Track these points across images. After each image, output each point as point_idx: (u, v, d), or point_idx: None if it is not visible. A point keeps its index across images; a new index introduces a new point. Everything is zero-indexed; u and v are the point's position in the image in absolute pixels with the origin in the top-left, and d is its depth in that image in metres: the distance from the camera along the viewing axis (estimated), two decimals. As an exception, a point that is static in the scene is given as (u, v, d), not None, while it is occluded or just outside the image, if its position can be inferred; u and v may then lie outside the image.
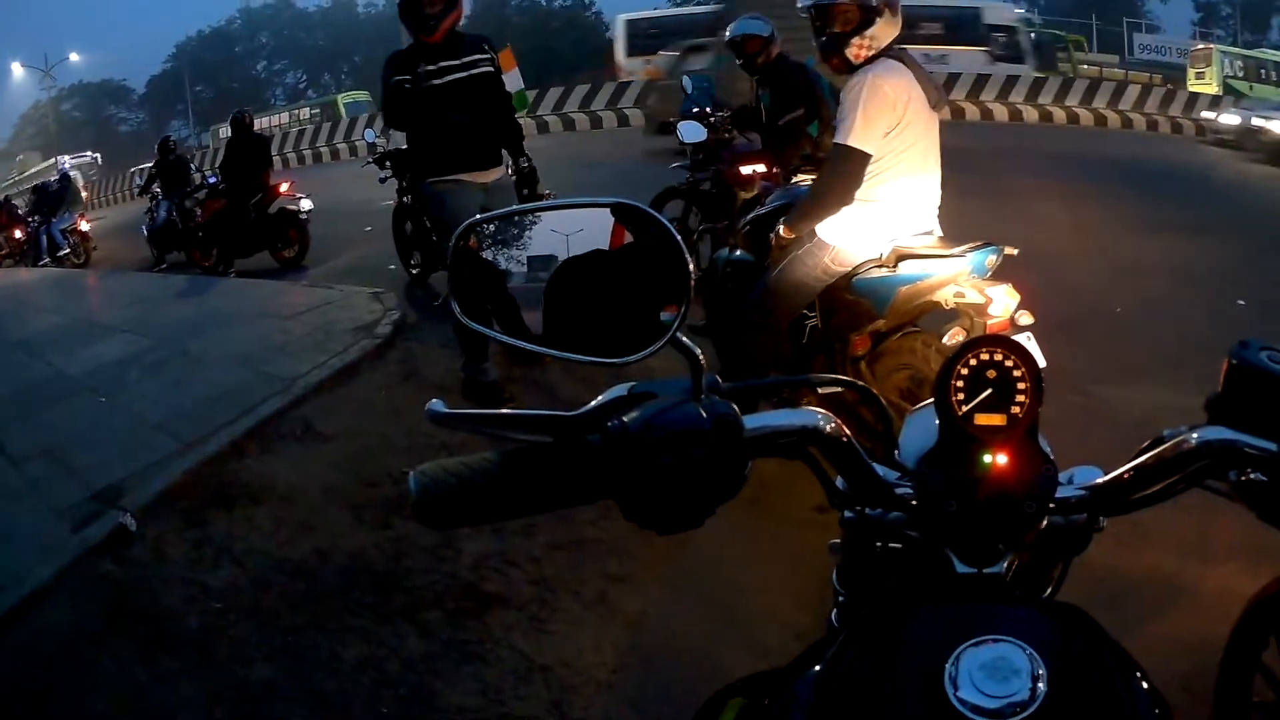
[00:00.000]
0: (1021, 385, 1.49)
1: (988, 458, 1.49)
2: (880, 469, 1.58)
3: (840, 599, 1.72)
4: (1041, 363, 4.81)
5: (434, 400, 1.55)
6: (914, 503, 1.54)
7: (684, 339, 1.51)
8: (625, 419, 1.44)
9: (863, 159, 5.57)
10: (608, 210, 1.66)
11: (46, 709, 4.96)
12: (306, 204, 16.81)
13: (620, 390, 1.53)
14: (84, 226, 28.87)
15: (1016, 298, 5.32)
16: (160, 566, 6.08)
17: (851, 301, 5.84)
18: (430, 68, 8.09)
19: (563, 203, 1.73)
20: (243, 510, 6.59)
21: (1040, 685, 1.18)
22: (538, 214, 1.77)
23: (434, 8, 8.06)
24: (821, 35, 5.78)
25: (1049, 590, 1.62)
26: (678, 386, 1.52)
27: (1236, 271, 12.08)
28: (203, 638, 5.31)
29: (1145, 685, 1.28)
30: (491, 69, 8.46)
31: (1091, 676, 1.25)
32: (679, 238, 1.55)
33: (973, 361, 1.50)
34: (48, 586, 5.88)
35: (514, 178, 8.91)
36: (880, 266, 5.67)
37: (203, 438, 7.69)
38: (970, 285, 5.42)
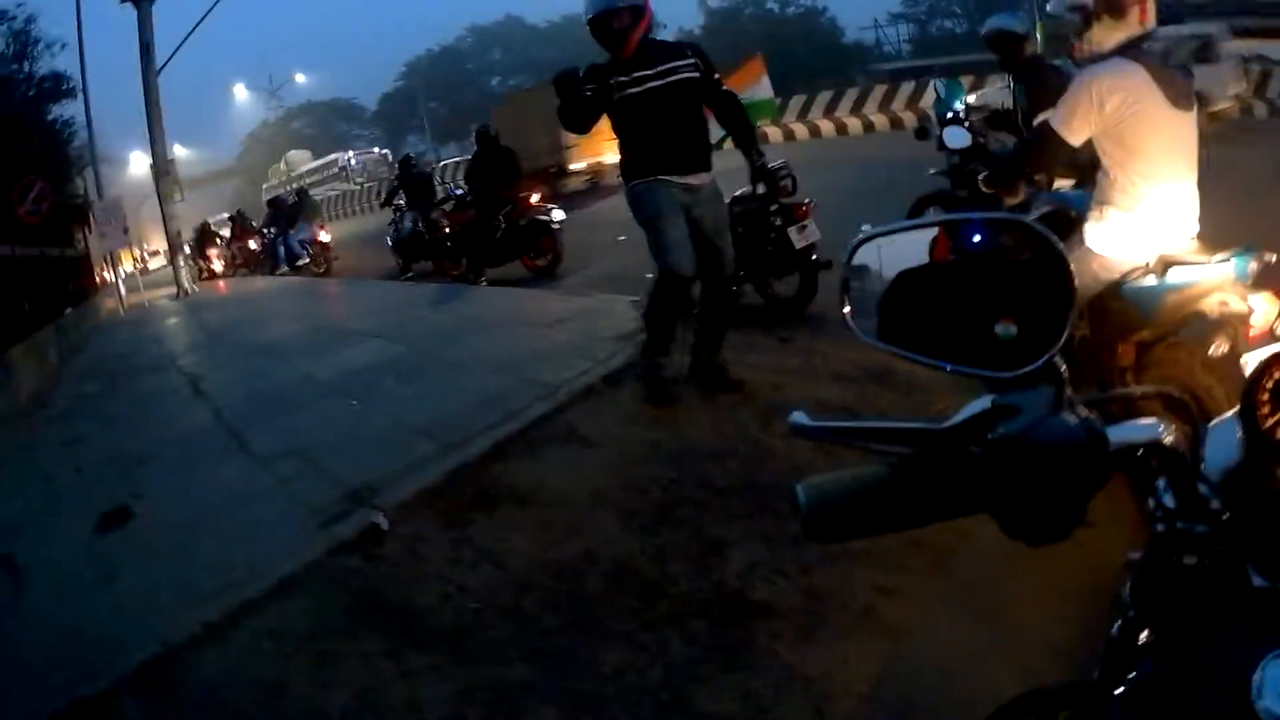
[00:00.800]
0: None
1: None
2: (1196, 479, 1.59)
3: (1130, 614, 1.70)
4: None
5: (796, 412, 1.62)
6: (1223, 516, 1.54)
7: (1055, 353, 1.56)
8: (1005, 431, 1.50)
9: (1059, 142, 5.78)
10: (934, 226, 1.72)
11: (279, 701, 5.11)
12: (558, 214, 17.12)
13: (984, 403, 1.57)
14: (324, 237, 29.68)
15: (1278, 305, 5.24)
16: (414, 565, 6.25)
17: (1119, 310, 5.81)
18: (624, 79, 8.37)
19: (940, 219, 1.79)
20: (505, 512, 6.75)
21: None
22: (917, 230, 1.81)
23: (620, 22, 8.36)
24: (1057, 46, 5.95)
25: None
26: (1040, 399, 1.55)
27: None
28: (456, 636, 5.43)
29: None
30: (695, 74, 8.60)
31: None
32: (1062, 249, 1.61)
33: (1277, 374, 1.52)
34: (291, 580, 6.12)
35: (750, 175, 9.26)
36: (1148, 274, 5.63)
37: (463, 441, 7.92)
38: (1233, 293, 5.35)
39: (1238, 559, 1.51)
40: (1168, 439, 1.55)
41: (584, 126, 8.66)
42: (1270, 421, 1.51)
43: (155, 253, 66.92)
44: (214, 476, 8.49)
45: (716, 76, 8.86)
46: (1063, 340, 1.57)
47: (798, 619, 5.21)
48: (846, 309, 1.80)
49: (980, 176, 6.87)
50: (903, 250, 1.73)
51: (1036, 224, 1.66)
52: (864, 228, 1.87)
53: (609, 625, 5.34)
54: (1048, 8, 6.18)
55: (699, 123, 8.74)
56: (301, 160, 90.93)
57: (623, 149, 8.89)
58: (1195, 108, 5.84)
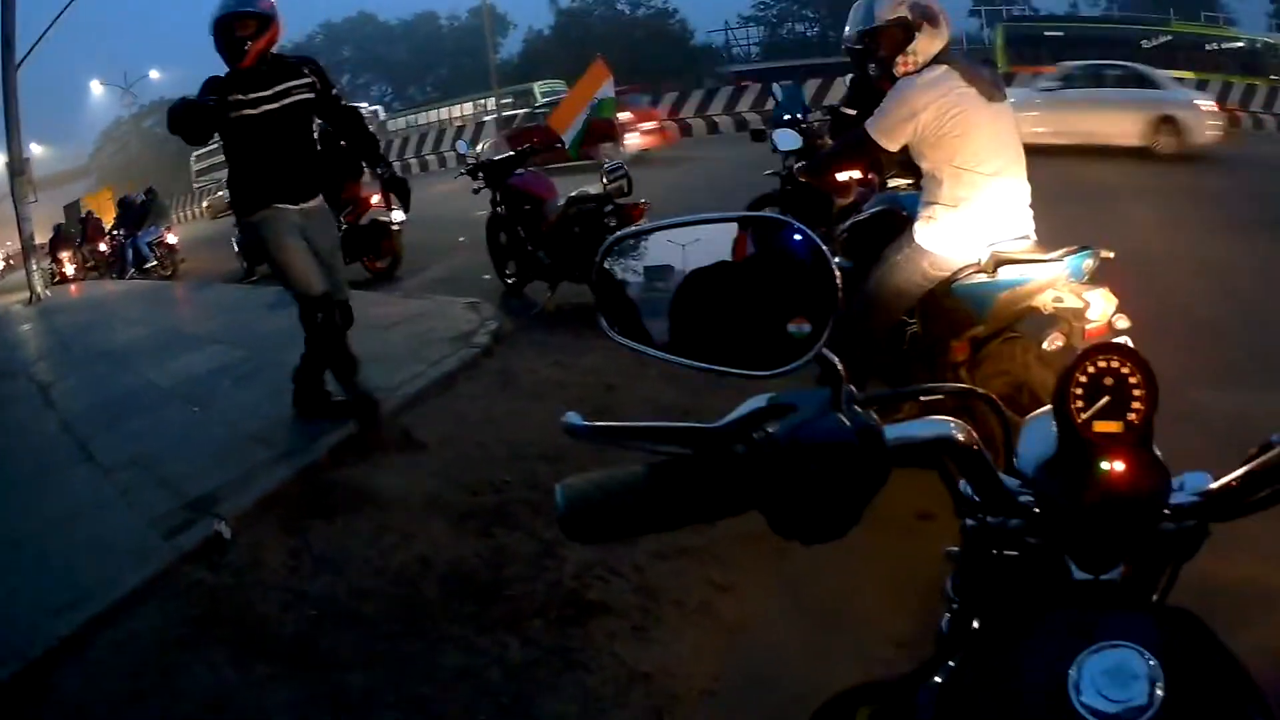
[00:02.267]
0: (1138, 392, 1.54)
1: (1106, 465, 1.52)
2: (1004, 477, 1.61)
3: (954, 606, 1.73)
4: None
5: (569, 413, 1.61)
6: (1035, 510, 1.56)
7: (827, 351, 1.58)
8: (771, 430, 1.48)
9: (874, 147, 5.92)
10: (733, 223, 1.73)
11: (131, 713, 5.07)
12: (398, 215, 16.94)
13: (759, 402, 1.56)
14: (171, 239, 29.23)
15: (1114, 301, 5.36)
16: (256, 573, 6.22)
17: (951, 307, 5.91)
18: (242, 97, 7.98)
19: (704, 217, 1.77)
20: (343, 519, 6.74)
21: (1158, 690, 1.23)
22: (672, 229, 1.82)
23: (245, 30, 7.96)
24: (871, 61, 5.99)
25: (1158, 596, 1.62)
26: (817, 398, 1.54)
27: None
28: (299, 644, 5.42)
29: (1254, 689, 1.33)
30: (311, 95, 8.34)
31: (1206, 680, 1.31)
32: (826, 250, 1.62)
33: (1090, 369, 1.55)
34: (137, 592, 6.05)
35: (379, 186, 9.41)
36: (980, 272, 5.73)
37: (300, 448, 7.90)
38: (1068, 290, 5.47)
39: (1055, 552, 1.54)
40: (959, 436, 1.56)
41: (199, 138, 8.24)
42: (1084, 415, 1.53)
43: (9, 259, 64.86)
44: (61, 487, 8.36)
45: (335, 92, 8.68)
46: (823, 339, 1.56)
47: (634, 617, 5.24)
48: (599, 309, 1.80)
49: (796, 166, 6.99)
50: (706, 250, 1.73)
51: (791, 220, 1.67)
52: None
53: (447, 629, 5.33)
54: (845, 31, 6.28)
55: (311, 146, 8.66)
56: None
57: (234, 174, 8.53)
58: (1007, 99, 5.96)
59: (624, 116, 33.02)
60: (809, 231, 1.63)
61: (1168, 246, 13.07)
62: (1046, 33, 45.99)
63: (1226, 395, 7.09)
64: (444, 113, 68.99)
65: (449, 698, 4.82)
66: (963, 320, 5.91)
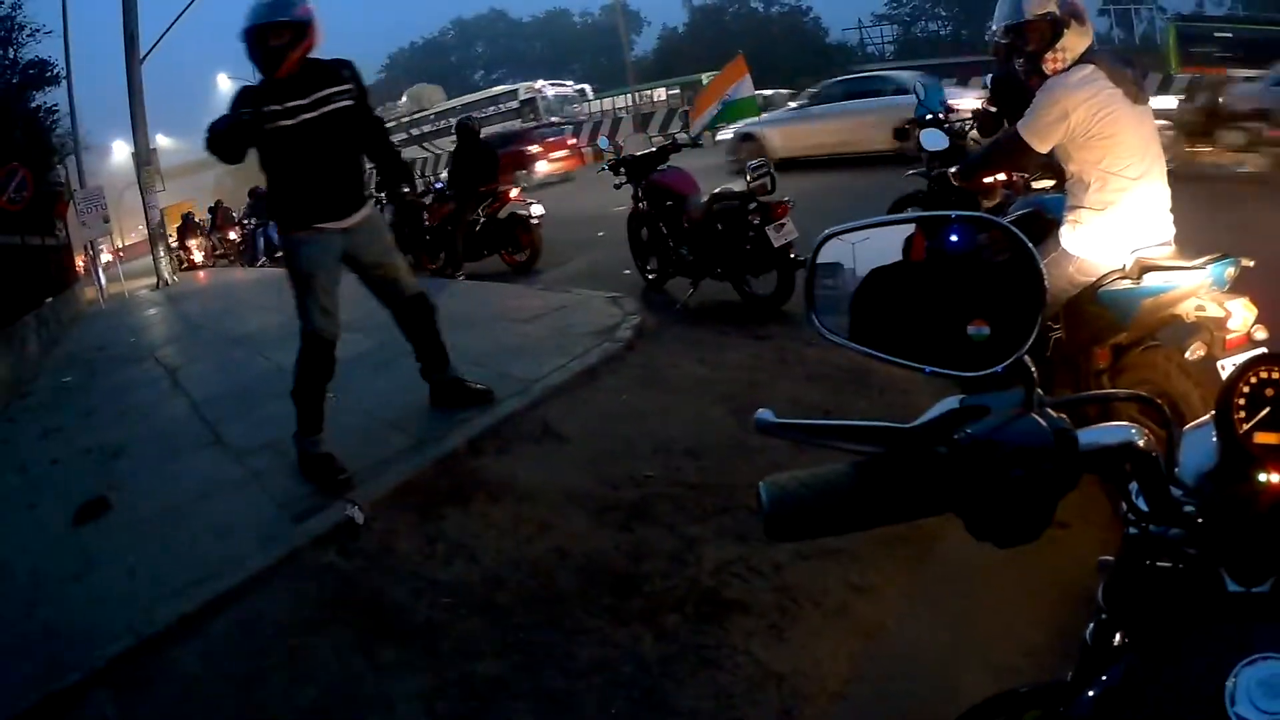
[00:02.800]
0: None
1: (1267, 477, 1.49)
2: (1171, 485, 1.57)
3: (1103, 616, 1.69)
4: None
5: (761, 409, 1.59)
6: (1197, 520, 1.53)
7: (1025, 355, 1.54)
8: (971, 431, 1.48)
9: (1025, 149, 5.80)
10: (911, 224, 1.69)
11: (253, 695, 5.12)
12: (537, 209, 17.04)
13: (952, 403, 1.55)
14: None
15: (1254, 311, 5.24)
16: (388, 560, 6.27)
17: (1096, 313, 5.81)
18: (277, 108, 7.55)
19: (912, 216, 1.73)
20: (479, 508, 6.76)
21: None
22: (882, 228, 1.78)
23: (279, 39, 7.52)
24: (1019, 57, 5.88)
25: None
26: (1009, 400, 1.53)
27: None
28: (429, 631, 5.44)
29: None
30: (351, 101, 7.93)
31: None
32: (1035, 251, 1.58)
33: (1253, 379, 1.51)
34: (264, 574, 6.16)
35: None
36: (1124, 278, 5.64)
37: (438, 435, 7.95)
38: (1210, 298, 5.36)
39: (1212, 563, 1.50)
40: (1140, 442, 1.53)
41: (236, 155, 7.66)
42: (1245, 426, 1.50)
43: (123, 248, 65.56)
44: (190, 469, 8.50)
45: (368, 101, 8.30)
46: (1030, 341, 1.54)
47: (771, 617, 5.19)
48: (811, 307, 1.78)
49: (950, 170, 6.92)
50: (878, 249, 1.69)
51: (1009, 224, 1.64)
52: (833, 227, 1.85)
53: (582, 621, 5.32)
54: (990, 26, 6.20)
55: (354, 157, 8.20)
56: (431, 97, 77.65)
57: (273, 189, 8.05)
58: (1149, 101, 5.86)
59: (533, 149, 38.99)
60: (1016, 232, 1.62)
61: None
62: (1217, 33, 45.29)
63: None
64: (597, 105, 67.18)
65: (581, 690, 4.81)
66: (1106, 327, 5.81)
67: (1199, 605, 1.49)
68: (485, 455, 7.62)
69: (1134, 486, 1.58)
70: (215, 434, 9.43)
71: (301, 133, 7.61)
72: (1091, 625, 1.68)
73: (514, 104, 63.67)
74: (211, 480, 8.08)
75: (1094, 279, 5.78)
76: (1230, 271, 5.37)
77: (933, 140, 9.77)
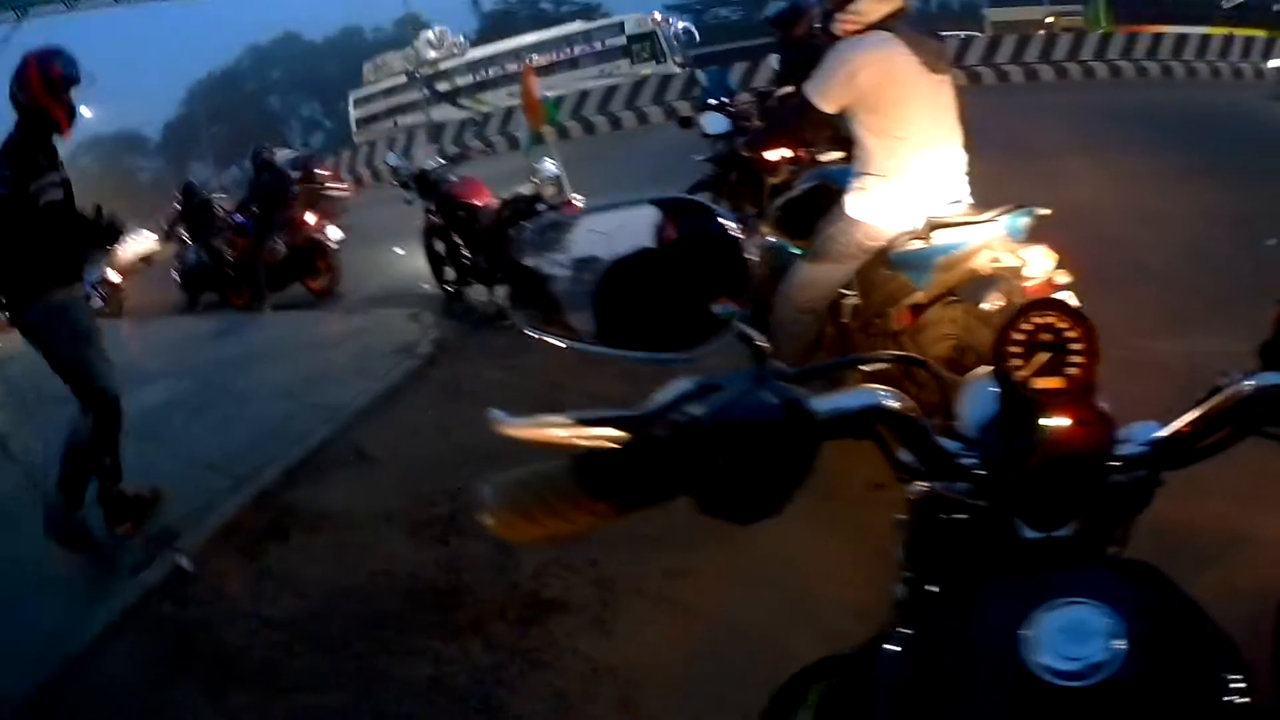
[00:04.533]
0: (1077, 346, 1.50)
1: (1049, 421, 1.49)
2: (945, 441, 1.57)
3: (906, 575, 1.68)
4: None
5: (493, 410, 1.57)
6: (980, 472, 1.53)
7: (745, 327, 1.54)
8: (695, 411, 1.45)
9: (809, 107, 5.87)
10: (653, 207, 1.69)
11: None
12: (335, 233, 16.83)
13: (685, 385, 1.51)
14: (114, 278, 28.82)
15: (1054, 258, 5.32)
16: (221, 604, 6.17)
17: (889, 276, 5.90)
18: (53, 179, 6.76)
19: (614, 201, 1.76)
20: (300, 540, 6.70)
21: (1119, 643, 1.20)
22: (584, 216, 1.78)
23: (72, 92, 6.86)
24: (798, 29, 5.99)
25: (1115, 549, 1.58)
26: (743, 377, 1.52)
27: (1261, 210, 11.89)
28: (269, 671, 5.36)
29: (1217, 634, 1.29)
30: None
31: (1167, 630, 1.28)
32: (732, 226, 1.59)
33: (1027, 326, 1.52)
34: (108, 632, 5.97)
35: None
36: (915, 239, 5.70)
37: (254, 472, 7.82)
38: (1005, 249, 5.43)
39: (1003, 513, 1.50)
40: (891, 404, 1.53)
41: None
42: (1023, 373, 1.50)
43: None
44: (24, 531, 8.28)
45: None
46: (736, 316, 1.56)
47: (593, 611, 5.24)
48: (515, 304, 1.77)
49: (741, 142, 6.98)
50: (630, 238, 1.70)
51: (701, 200, 1.65)
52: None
53: (413, 641, 5.29)
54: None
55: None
56: (393, 65, 64.72)
57: (29, 260, 6.80)
58: (950, 72, 5.95)
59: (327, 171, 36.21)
60: (714, 209, 1.64)
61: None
62: None
63: (1175, 342, 7.13)
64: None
65: (423, 710, 4.80)
66: (900, 288, 5.90)
67: (995, 555, 1.50)
68: (301, 487, 7.55)
69: (903, 448, 1.57)
70: (45, 495, 9.20)
71: (66, 200, 6.90)
72: (899, 585, 1.68)
73: (618, 40, 52.43)
74: (44, 540, 7.81)
75: (884, 242, 5.84)
76: (1025, 222, 5.44)
77: (715, 124, 9.84)
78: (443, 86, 58.62)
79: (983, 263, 5.54)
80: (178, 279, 21.62)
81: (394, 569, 6.05)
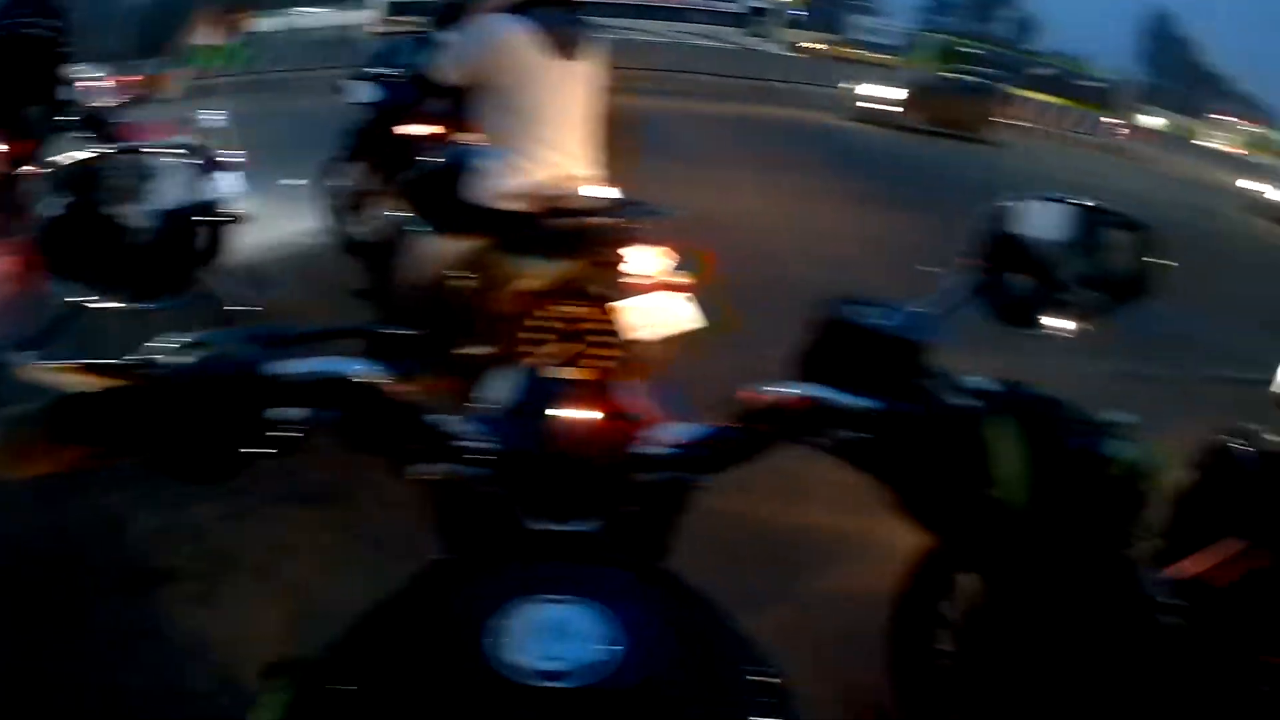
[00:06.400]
0: (601, 340, 1.51)
1: (568, 412, 1.49)
2: (444, 421, 1.50)
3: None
4: (697, 323, 4.87)
5: (24, 353, 1.51)
6: (487, 458, 1.48)
7: (222, 288, 1.51)
8: (174, 363, 1.40)
9: (431, 82, 6.10)
10: None
11: None
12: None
13: (182, 338, 1.45)
14: None
15: (669, 255, 5.40)
16: None
17: (501, 259, 5.86)
18: None
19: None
20: None
21: (604, 645, 1.18)
22: None
23: None
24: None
25: (656, 552, 1.53)
26: (235, 334, 1.47)
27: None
28: None
29: (739, 640, 1.32)
30: None
31: (667, 635, 1.25)
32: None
33: (553, 317, 1.52)
34: None
35: None
36: (529, 223, 5.70)
37: None
38: (619, 242, 5.47)
39: (510, 501, 1.46)
40: (364, 377, 1.45)
41: None
42: (542, 362, 1.48)
43: None
44: None
45: None
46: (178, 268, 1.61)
47: (200, 583, 5.10)
48: None
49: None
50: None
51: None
52: None
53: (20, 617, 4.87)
54: None
55: None
56: None
57: None
58: (592, 62, 6.02)
59: None
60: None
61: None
62: None
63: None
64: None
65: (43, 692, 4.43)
66: (511, 273, 5.86)
67: (501, 544, 1.46)
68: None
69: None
70: None
71: None
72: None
73: None
74: None
75: (498, 224, 5.80)
76: (646, 218, 5.49)
77: (359, 92, 9.74)
78: None
79: (598, 254, 5.57)
80: None
81: None
